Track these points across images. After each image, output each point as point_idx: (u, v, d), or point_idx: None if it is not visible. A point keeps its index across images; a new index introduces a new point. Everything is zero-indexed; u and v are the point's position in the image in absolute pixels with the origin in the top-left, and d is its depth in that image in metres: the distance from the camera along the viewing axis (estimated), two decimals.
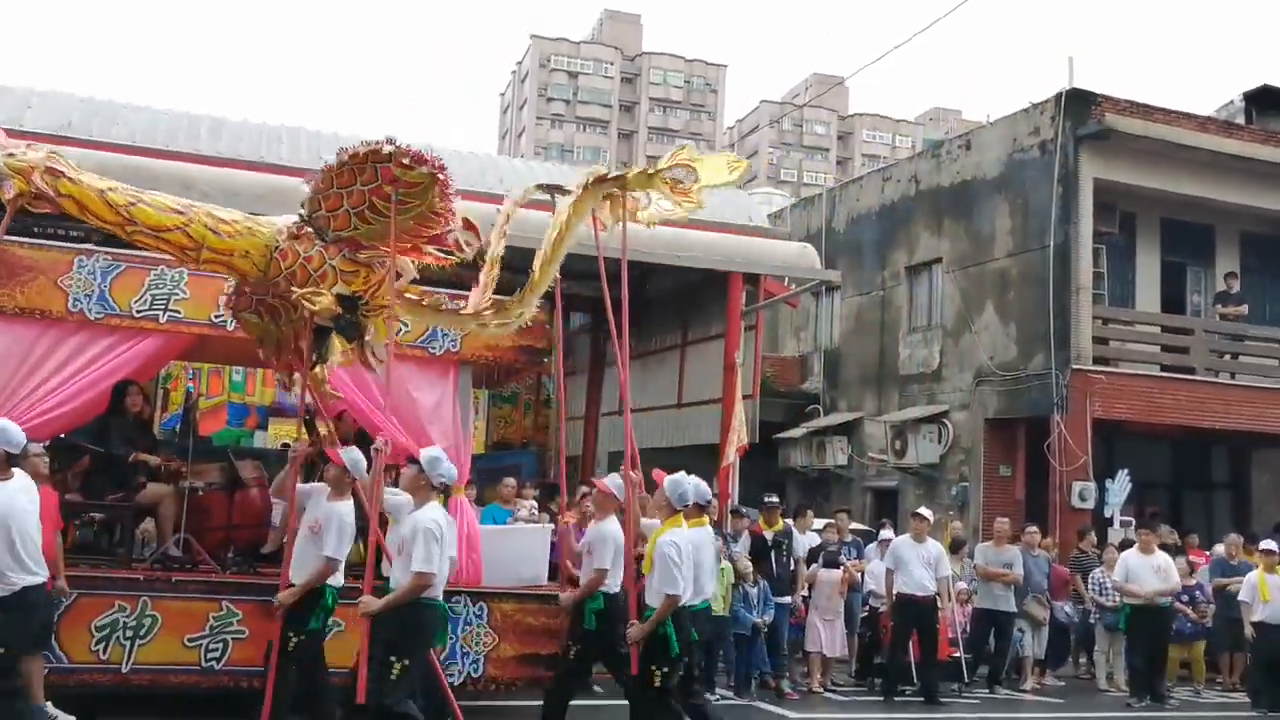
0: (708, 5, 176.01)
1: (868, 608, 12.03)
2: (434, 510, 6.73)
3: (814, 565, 11.61)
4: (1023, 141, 18.45)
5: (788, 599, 11.29)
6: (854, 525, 14.55)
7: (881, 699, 11.10)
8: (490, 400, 18.01)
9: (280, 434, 15.78)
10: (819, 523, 12.84)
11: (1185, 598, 12.60)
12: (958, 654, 11.74)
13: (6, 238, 6.95)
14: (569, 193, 7.43)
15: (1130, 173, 17.64)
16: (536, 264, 7.26)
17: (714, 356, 14.29)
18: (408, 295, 6.88)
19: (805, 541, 11.82)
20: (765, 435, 17.11)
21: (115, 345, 8.08)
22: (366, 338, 6.84)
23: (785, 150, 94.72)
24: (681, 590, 6.81)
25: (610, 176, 7.32)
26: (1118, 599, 12.28)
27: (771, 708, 10.26)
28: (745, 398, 13.87)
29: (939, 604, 11.33)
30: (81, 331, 8.00)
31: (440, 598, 6.70)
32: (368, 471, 7.21)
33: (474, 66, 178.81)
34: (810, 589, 11.66)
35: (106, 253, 8.17)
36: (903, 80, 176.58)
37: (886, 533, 13.14)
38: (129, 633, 7.69)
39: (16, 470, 6.33)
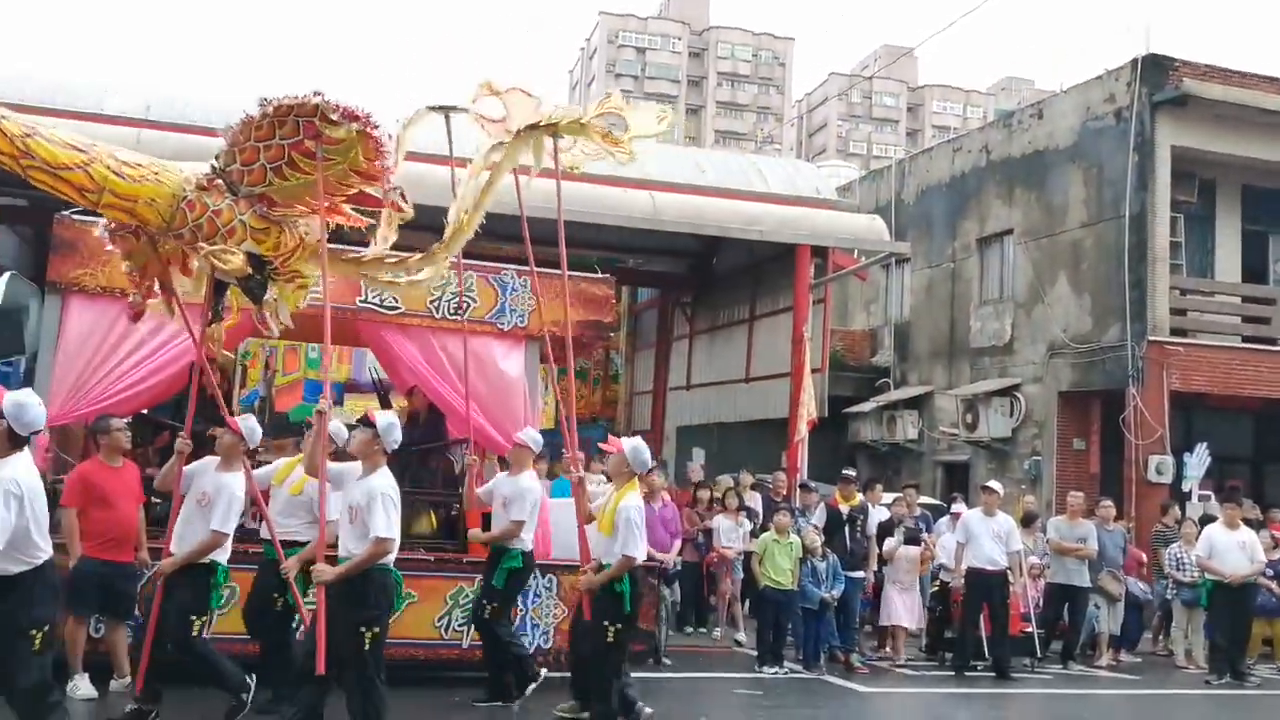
0: None
1: (938, 582, 11.94)
2: (386, 475, 6.37)
3: (889, 540, 11.53)
4: (1097, 109, 18.01)
5: (861, 573, 11.25)
6: (924, 499, 14.43)
7: (952, 674, 11.02)
8: (560, 375, 18.17)
9: (356, 409, 16.07)
10: (888, 497, 12.76)
11: (1270, 573, 12.32)
12: (1030, 629, 11.60)
13: (85, 218, 7.15)
14: (464, 110, 7.29)
15: (1209, 139, 17.14)
16: (460, 210, 7.06)
17: (782, 330, 14.26)
18: (338, 252, 6.57)
19: (876, 516, 11.76)
20: (835, 409, 17.03)
21: (193, 322, 8.26)
22: (268, 297, 6.40)
23: (854, 123, 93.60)
24: (641, 553, 7.10)
25: (543, 124, 7.03)
26: (1196, 575, 12.04)
27: (841, 682, 10.25)
28: (814, 371, 13.82)
29: (1010, 578, 11.21)
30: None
31: (392, 564, 6.35)
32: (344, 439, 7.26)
33: (542, 45, 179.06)
34: (882, 563, 11.62)
35: None
36: (974, 50, 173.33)
37: (958, 507, 13.01)
38: (218, 602, 7.89)
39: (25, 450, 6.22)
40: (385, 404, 11.14)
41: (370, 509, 6.05)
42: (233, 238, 5.72)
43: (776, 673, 10.17)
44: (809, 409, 13.05)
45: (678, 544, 10.77)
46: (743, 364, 15.97)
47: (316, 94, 5.56)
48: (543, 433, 11.20)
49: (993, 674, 10.89)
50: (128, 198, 5.42)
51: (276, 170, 5.69)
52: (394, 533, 6.12)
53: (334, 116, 5.54)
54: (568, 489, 10.77)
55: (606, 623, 6.94)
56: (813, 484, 12.71)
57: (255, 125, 5.62)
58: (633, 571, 7.04)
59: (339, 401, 16.51)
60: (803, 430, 12.90)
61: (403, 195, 6.36)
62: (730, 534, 11.73)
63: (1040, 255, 18.98)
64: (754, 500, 12.45)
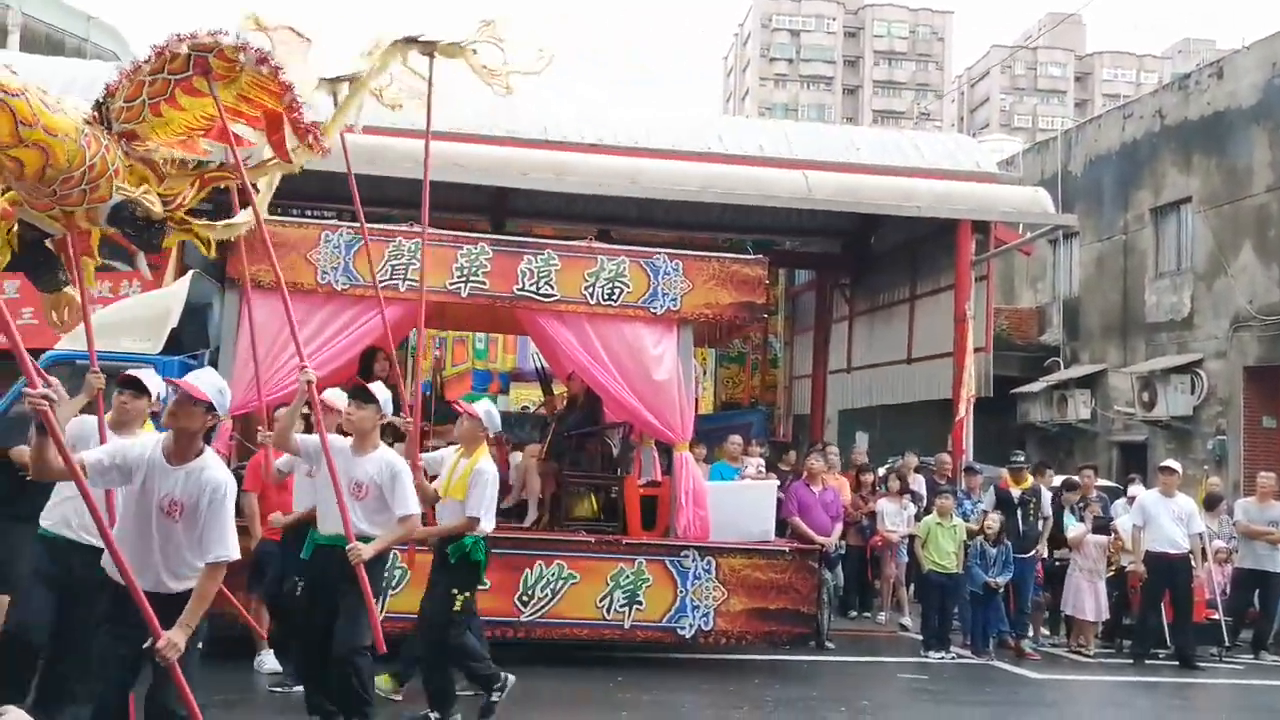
0: None
1: (1114, 567, 11.46)
2: (489, 459, 6.73)
3: (1077, 526, 11.11)
4: None
5: (1036, 553, 10.91)
6: (1099, 481, 13.86)
7: (1131, 662, 10.57)
8: (717, 360, 18.19)
9: (521, 398, 16.49)
10: (1056, 479, 12.31)
11: None
12: (1217, 616, 11.01)
13: (265, 218, 7.46)
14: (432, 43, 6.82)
15: None
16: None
17: (944, 309, 13.90)
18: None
19: (1048, 500, 11.33)
20: (1001, 390, 16.50)
21: (360, 314, 8.62)
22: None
23: (1018, 95, 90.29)
24: (490, 520, 6.70)
25: (419, 40, 6.72)
26: None
27: (1011, 668, 9.95)
28: (977, 350, 13.43)
29: (1193, 562, 10.67)
30: (330, 302, 8.59)
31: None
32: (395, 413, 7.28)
33: (696, 33, 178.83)
34: (1054, 546, 11.23)
35: (350, 227, 8.71)
36: (1147, 12, 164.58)
37: (1135, 488, 12.45)
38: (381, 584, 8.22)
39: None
40: (547, 391, 11.36)
41: (472, 488, 6.50)
42: (117, 178, 5.09)
43: (943, 657, 9.95)
44: (969, 386, 12.67)
45: (839, 527, 10.64)
46: (904, 345, 15.63)
47: (221, 32, 5.16)
48: (699, 418, 11.27)
49: (1175, 662, 10.40)
50: (53, 131, 4.67)
51: (154, 106, 5.11)
52: (487, 514, 6.54)
53: (230, 55, 5.06)
54: (729, 473, 10.82)
55: (455, 590, 6.57)
56: (978, 466, 12.36)
57: (148, 60, 5.13)
58: (488, 540, 6.73)
59: (505, 390, 16.94)
60: (963, 410, 12.53)
61: (315, 135, 5.67)
62: (894, 517, 11.52)
63: (1222, 223, 17.97)
64: (918, 483, 12.19)
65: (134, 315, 8.77)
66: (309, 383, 5.78)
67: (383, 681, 6.85)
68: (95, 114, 5.09)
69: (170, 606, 4.17)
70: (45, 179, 4.71)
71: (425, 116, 7.67)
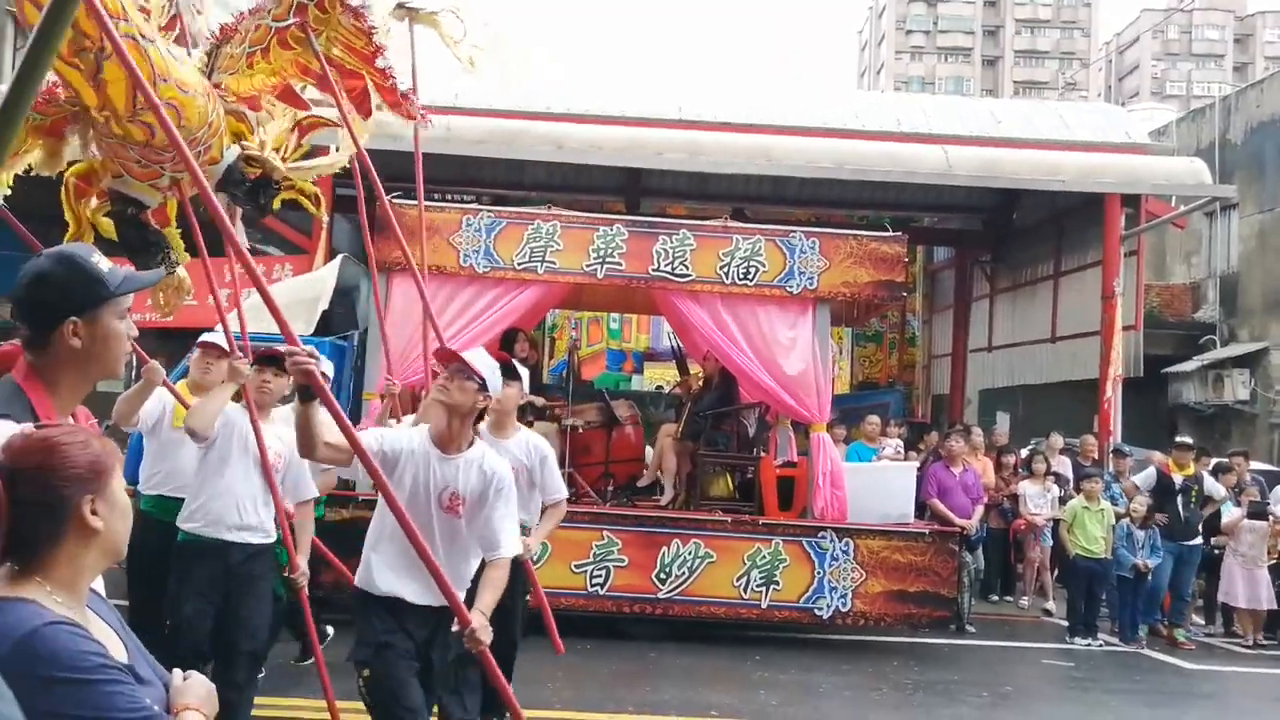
0: None
1: (1277, 555, 10.93)
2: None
3: (1233, 511, 10.65)
4: None
5: (1197, 541, 10.49)
6: (1259, 465, 13.22)
7: None
8: (854, 339, 17.99)
9: (654, 377, 16.62)
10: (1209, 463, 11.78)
11: None
12: None
13: (403, 202, 7.68)
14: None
15: None
16: None
17: (1091, 286, 13.43)
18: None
19: (1211, 485, 10.85)
20: (1151, 369, 15.87)
21: (501, 296, 8.80)
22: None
23: (1170, 61, 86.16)
24: None
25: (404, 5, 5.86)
26: None
27: (1162, 657, 9.61)
28: (1126, 329, 12.95)
29: None
30: (472, 284, 8.79)
31: None
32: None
33: (830, 6, 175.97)
34: (1209, 535, 10.77)
35: (490, 211, 8.90)
36: None
37: None
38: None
39: None
40: (682, 370, 11.42)
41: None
42: (225, 136, 4.57)
43: (1089, 644, 9.66)
44: (1117, 368, 12.22)
45: (980, 510, 10.42)
46: (1048, 323, 15.17)
47: None
48: (836, 398, 11.16)
49: None
50: (186, 88, 4.13)
51: (250, 57, 4.58)
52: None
53: (336, 9, 4.59)
54: (867, 454, 10.72)
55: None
56: (1127, 449, 11.94)
57: (260, 6, 4.59)
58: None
59: (639, 369, 17.11)
60: (1109, 391, 12.09)
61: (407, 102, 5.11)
62: (1037, 500, 11.22)
63: None
64: (1062, 465, 11.84)
65: (287, 298, 9.12)
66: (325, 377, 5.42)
67: None
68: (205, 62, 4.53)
69: (447, 617, 3.74)
70: (160, 145, 4.11)
71: (518, 93, 7.47)
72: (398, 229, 6.26)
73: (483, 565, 3.98)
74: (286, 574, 4.96)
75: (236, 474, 4.96)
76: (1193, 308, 21.66)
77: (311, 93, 5.03)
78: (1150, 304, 18.62)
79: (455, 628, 3.52)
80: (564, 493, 5.76)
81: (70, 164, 4.47)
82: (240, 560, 4.92)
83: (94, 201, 4.49)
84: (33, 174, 4.45)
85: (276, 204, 4.93)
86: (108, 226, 4.50)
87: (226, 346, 5.05)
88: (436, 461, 3.89)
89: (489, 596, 3.75)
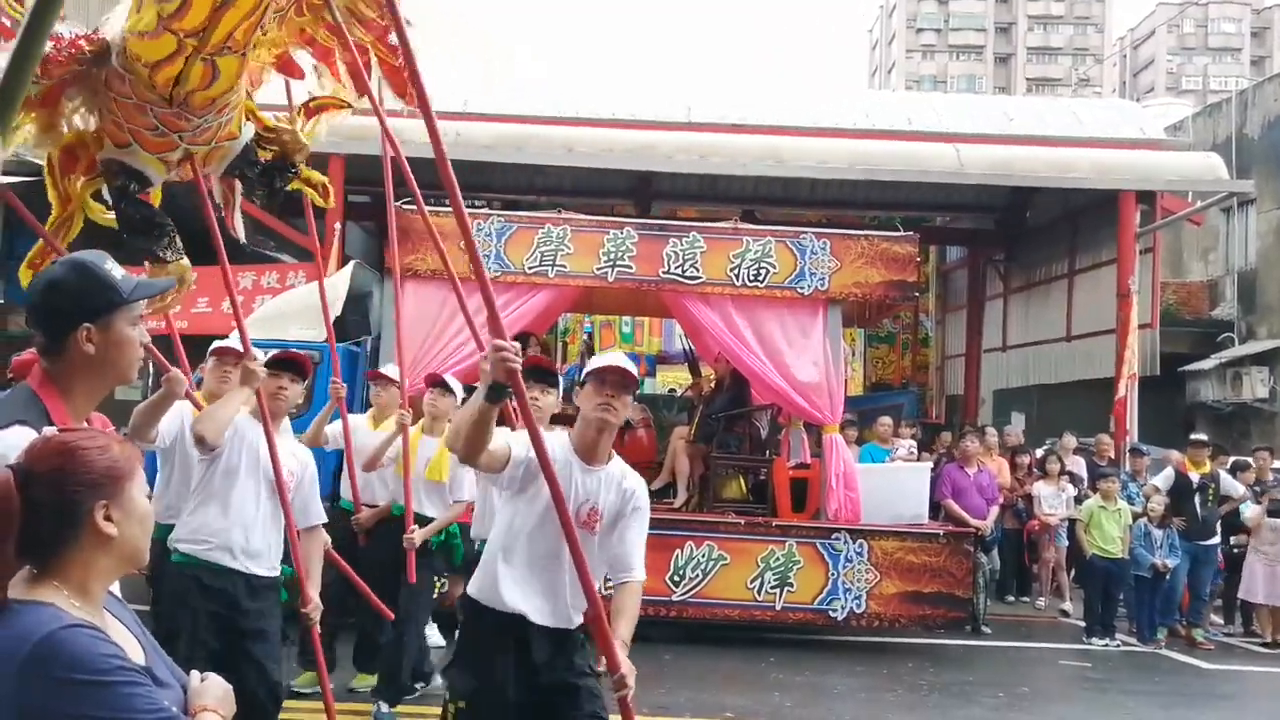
0: None
1: None
2: None
3: (1253, 508, 10.56)
4: None
5: (1215, 540, 10.42)
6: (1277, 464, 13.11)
7: None
8: (867, 341, 17.93)
9: (667, 380, 16.61)
10: (1227, 461, 11.69)
11: None
12: None
13: (412, 208, 7.66)
14: None
15: None
16: None
17: (1106, 284, 13.34)
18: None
19: (1234, 484, 10.77)
20: (1169, 368, 15.76)
21: (512, 300, 8.82)
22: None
23: (1186, 56, 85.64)
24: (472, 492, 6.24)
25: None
26: None
27: (1181, 657, 9.54)
28: (1143, 327, 12.86)
29: None
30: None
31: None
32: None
33: (840, 8, 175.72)
34: (1228, 534, 10.69)
35: (500, 215, 8.93)
36: None
37: None
38: None
39: None
40: (694, 373, 11.42)
41: (456, 467, 6.10)
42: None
43: (1107, 645, 9.61)
44: (1133, 367, 12.13)
45: (995, 510, 10.38)
46: (1063, 322, 15.09)
47: None
48: (849, 400, 11.11)
49: None
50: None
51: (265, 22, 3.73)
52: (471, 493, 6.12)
53: None
54: (880, 455, 10.68)
55: (436, 577, 6.36)
56: (1144, 448, 11.86)
57: None
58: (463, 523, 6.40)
59: (651, 373, 17.09)
60: (1123, 389, 12.01)
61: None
62: (1052, 500, 11.17)
63: None
64: (1076, 465, 11.78)
65: (301, 304, 9.15)
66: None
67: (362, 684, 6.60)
68: None
69: (570, 647, 3.57)
70: (198, 104, 3.63)
71: (527, 98, 7.22)
72: (434, 233, 5.99)
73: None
74: (298, 608, 4.41)
75: (245, 491, 4.47)
76: (1210, 305, 21.50)
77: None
78: (1167, 302, 18.50)
79: (601, 668, 3.30)
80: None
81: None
82: (246, 594, 4.40)
83: (82, 179, 3.93)
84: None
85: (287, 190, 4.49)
86: (97, 210, 4.02)
87: (244, 351, 4.53)
88: (579, 473, 3.59)
89: (626, 627, 3.44)
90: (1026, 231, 15.98)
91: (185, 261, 4.09)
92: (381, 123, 4.85)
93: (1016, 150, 12.85)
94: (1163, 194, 13.21)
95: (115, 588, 1.93)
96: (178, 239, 4.05)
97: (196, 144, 3.84)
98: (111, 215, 4.00)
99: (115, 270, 2.29)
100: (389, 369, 5.92)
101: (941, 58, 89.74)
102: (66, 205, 3.92)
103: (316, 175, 4.62)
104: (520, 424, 4.39)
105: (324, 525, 4.76)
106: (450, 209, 3.17)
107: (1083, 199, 13.63)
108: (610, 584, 3.84)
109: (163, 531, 4.72)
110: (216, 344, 5.33)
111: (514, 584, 3.54)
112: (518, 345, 3.07)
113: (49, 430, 1.85)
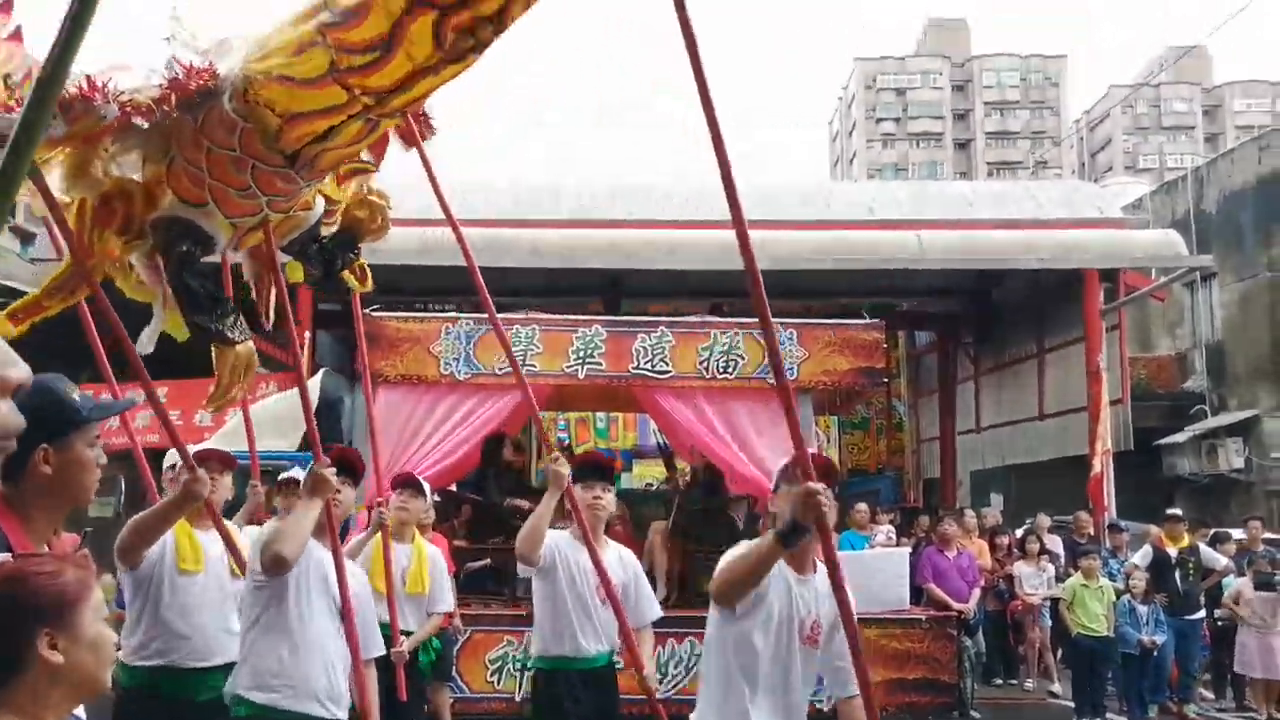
0: None
1: None
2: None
3: (1238, 580, 10.55)
4: None
5: (1200, 615, 10.38)
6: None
7: None
8: (840, 427, 17.97)
9: (643, 474, 16.55)
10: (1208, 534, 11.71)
11: None
12: None
13: (384, 314, 7.73)
14: None
15: None
16: None
17: (1075, 362, 13.50)
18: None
19: (1215, 557, 10.76)
20: (1143, 442, 15.87)
21: (483, 402, 8.83)
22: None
23: (1142, 135, 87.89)
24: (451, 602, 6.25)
25: None
26: None
27: None
28: (1114, 403, 12.97)
29: None
30: (453, 392, 8.82)
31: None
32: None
33: (799, 102, 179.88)
34: (1212, 606, 10.65)
35: (470, 318, 8.98)
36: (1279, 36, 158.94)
37: None
38: (519, 664, 8.32)
39: None
40: (670, 467, 11.39)
41: (436, 578, 6.10)
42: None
43: None
44: (1106, 443, 12.21)
45: (976, 592, 10.32)
46: (1035, 401, 15.21)
47: None
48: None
49: None
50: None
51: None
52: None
53: None
54: (859, 542, 10.63)
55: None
56: (1123, 523, 11.87)
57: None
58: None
59: (628, 468, 17.04)
60: (1098, 466, 12.06)
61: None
62: (1032, 580, 11.12)
63: None
64: (1054, 543, 11.77)
65: (272, 414, 9.14)
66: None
67: None
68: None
69: None
70: (324, 165, 3.16)
71: (496, 201, 6.97)
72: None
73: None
74: None
75: (324, 624, 3.85)
76: (1180, 378, 21.74)
77: None
78: (1137, 376, 18.68)
79: None
80: (659, 612, 5.08)
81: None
82: None
83: (118, 238, 3.32)
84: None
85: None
86: (128, 283, 3.49)
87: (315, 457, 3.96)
88: (796, 585, 3.36)
89: None
90: (994, 313, 16.19)
91: (250, 344, 3.64)
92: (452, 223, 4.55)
93: (979, 234, 13.10)
94: (1125, 271, 13.45)
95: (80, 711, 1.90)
96: (241, 317, 3.57)
97: (278, 210, 3.42)
98: (142, 285, 3.49)
99: (73, 391, 2.30)
100: (295, 473, 5.25)
101: (902, 146, 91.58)
102: (83, 261, 3.35)
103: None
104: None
105: None
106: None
107: (1047, 279, 13.85)
108: (818, 698, 3.66)
109: (138, 677, 4.25)
110: (194, 449, 4.56)
111: (766, 714, 3.31)
112: (828, 490, 2.86)
113: (3, 557, 1.84)
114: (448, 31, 2.66)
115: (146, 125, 2.98)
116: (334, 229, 3.75)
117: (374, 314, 8.60)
